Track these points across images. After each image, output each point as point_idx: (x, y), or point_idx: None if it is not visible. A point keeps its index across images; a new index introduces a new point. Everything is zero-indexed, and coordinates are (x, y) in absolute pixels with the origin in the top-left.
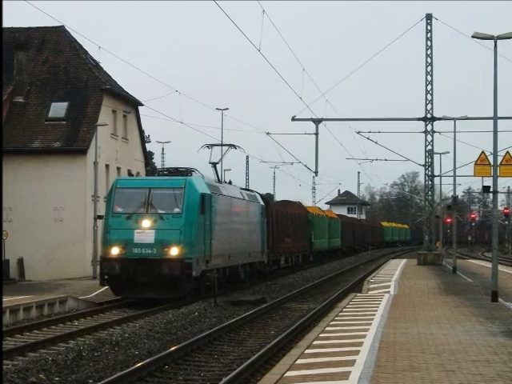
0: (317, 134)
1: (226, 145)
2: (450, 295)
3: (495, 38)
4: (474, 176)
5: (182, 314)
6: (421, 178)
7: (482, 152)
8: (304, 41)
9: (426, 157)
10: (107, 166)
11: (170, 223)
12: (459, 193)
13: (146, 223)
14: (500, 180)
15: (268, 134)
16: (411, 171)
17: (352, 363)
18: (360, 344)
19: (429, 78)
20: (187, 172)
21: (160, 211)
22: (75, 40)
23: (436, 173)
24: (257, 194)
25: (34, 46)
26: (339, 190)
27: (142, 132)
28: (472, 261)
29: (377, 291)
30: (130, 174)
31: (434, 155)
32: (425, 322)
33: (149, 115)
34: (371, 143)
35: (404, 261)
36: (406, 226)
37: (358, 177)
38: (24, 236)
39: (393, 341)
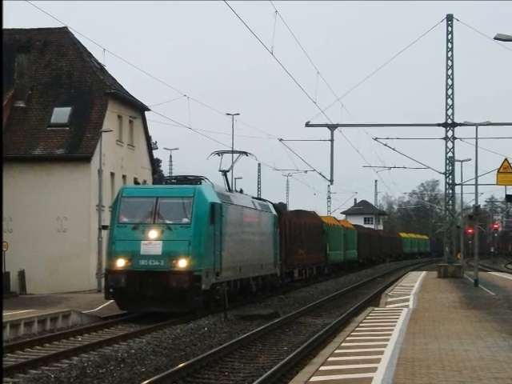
0: (332, 140)
1: (236, 152)
2: (472, 309)
3: None
4: (497, 184)
5: (191, 329)
6: (441, 187)
7: (505, 159)
8: (319, 43)
9: (446, 164)
10: (112, 174)
11: (178, 234)
12: (481, 202)
13: (153, 234)
14: None
15: (281, 140)
16: (431, 179)
17: (369, 381)
18: (377, 360)
19: (449, 81)
20: (196, 180)
21: (168, 221)
22: (79, 42)
23: (457, 181)
24: (269, 204)
25: (36, 48)
26: (355, 199)
27: (148, 138)
28: (495, 273)
29: (395, 305)
30: (136, 182)
31: (455, 163)
32: (445, 337)
33: (156, 121)
34: (389, 150)
35: (423, 273)
36: (425, 237)
37: (376, 185)
38: (25, 247)
39: (412, 357)
